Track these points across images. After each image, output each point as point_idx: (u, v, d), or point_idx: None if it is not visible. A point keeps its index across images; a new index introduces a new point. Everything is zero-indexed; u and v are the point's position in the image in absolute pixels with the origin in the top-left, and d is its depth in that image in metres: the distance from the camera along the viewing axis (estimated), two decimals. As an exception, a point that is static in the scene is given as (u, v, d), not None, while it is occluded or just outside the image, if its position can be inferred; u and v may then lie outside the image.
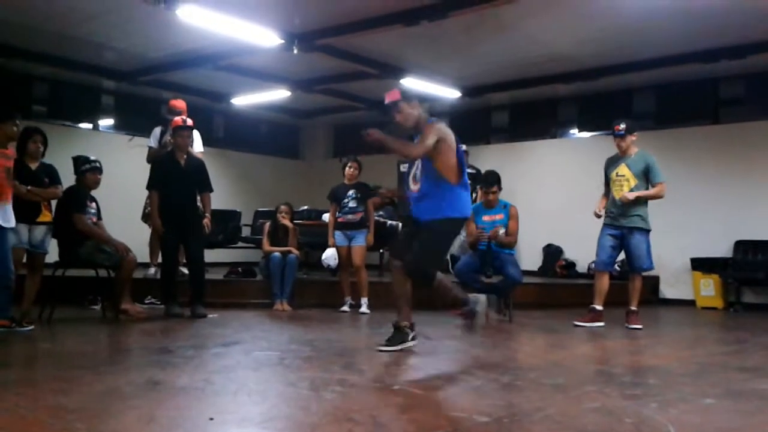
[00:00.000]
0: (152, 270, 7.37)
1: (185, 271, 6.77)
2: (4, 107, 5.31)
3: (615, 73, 9.02)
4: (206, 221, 6.44)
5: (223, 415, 2.74)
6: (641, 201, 6.15)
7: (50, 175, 5.58)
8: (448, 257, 7.64)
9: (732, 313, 8.26)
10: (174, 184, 6.33)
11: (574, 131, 11.07)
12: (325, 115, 12.45)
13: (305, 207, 9.02)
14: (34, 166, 5.53)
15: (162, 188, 6.35)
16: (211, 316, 6.17)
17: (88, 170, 5.99)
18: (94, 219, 6.03)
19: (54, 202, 5.75)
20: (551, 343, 5.44)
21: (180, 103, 7.32)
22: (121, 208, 8.02)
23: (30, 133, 5.55)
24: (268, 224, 7.46)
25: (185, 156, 6.46)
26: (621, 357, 4.96)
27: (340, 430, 2.56)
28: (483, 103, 11.10)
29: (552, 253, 10.35)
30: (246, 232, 9.94)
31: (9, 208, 4.98)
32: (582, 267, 9.73)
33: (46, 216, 5.56)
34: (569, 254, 10.22)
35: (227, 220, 9.44)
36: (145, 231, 7.27)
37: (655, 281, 9.26)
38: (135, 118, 10.74)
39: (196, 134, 7.02)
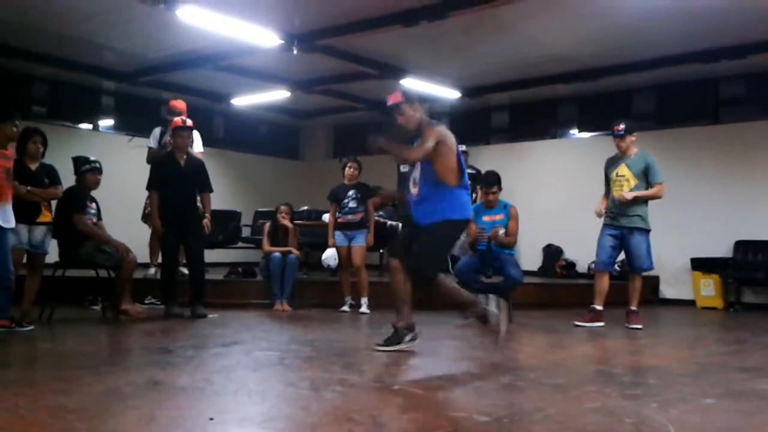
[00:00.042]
0: (152, 270, 7.37)
1: (185, 271, 6.77)
2: (4, 108, 5.31)
3: (615, 74, 9.02)
4: (206, 221, 6.44)
5: (223, 415, 2.74)
6: (641, 201, 6.15)
7: (50, 175, 5.58)
8: (449, 258, 7.64)
9: (732, 313, 8.26)
10: (174, 185, 6.33)
11: (574, 131, 11.07)
12: (325, 116, 12.45)
13: (305, 207, 9.02)
14: (33, 166, 5.53)
15: (162, 189, 6.35)
16: (211, 316, 6.17)
17: (88, 171, 5.99)
18: (94, 219, 6.03)
19: (54, 203, 5.75)
20: (551, 343, 5.44)
21: (180, 104, 7.32)
22: (121, 208, 8.03)
23: (30, 134, 5.55)
24: (268, 224, 7.46)
25: (185, 156, 6.45)
26: (621, 357, 4.96)
27: (340, 430, 2.56)
28: (483, 103, 11.10)
29: (552, 253, 10.35)
30: (246, 232, 9.95)
31: (9, 208, 4.98)
32: (582, 267, 9.73)
33: (46, 216, 5.56)
34: (569, 254, 10.22)
35: (227, 220, 9.44)
36: (145, 231, 7.27)
37: (655, 281, 9.25)
38: (135, 119, 10.74)
39: (196, 135, 7.02)
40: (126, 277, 5.94)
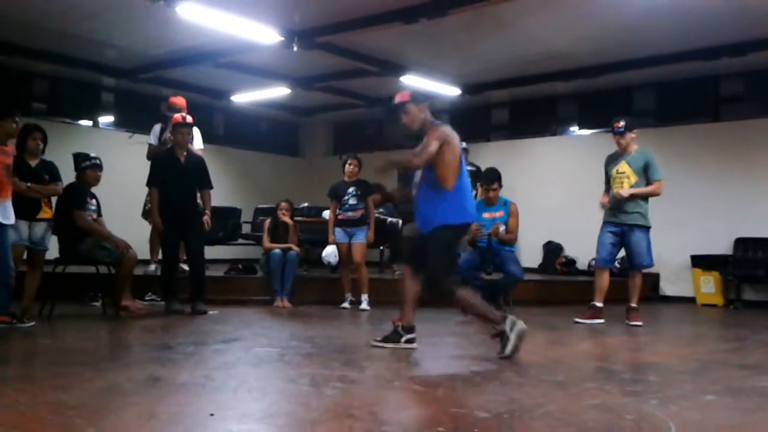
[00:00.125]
0: (152, 267, 7.37)
1: (185, 267, 6.77)
2: (4, 104, 5.33)
3: (615, 71, 9.01)
4: (206, 218, 6.44)
5: (224, 411, 2.75)
6: (641, 198, 6.15)
7: (50, 172, 5.58)
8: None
9: (732, 311, 8.26)
10: (174, 181, 6.34)
11: (574, 129, 11.07)
12: (325, 113, 12.45)
13: (305, 204, 9.03)
14: (33, 163, 5.53)
15: (162, 185, 6.35)
16: (211, 312, 6.17)
17: (88, 167, 5.99)
18: (94, 216, 6.03)
19: (54, 199, 5.75)
20: (551, 340, 5.44)
21: (180, 101, 7.32)
22: (121, 205, 8.03)
23: (30, 130, 5.54)
24: (268, 221, 7.46)
25: (185, 153, 6.45)
26: (621, 354, 4.96)
27: (340, 426, 2.56)
28: (483, 100, 11.09)
29: (552, 250, 10.35)
30: (246, 229, 9.95)
31: (9, 205, 4.98)
32: (582, 264, 9.73)
33: (46, 213, 5.56)
34: (569, 251, 10.22)
35: (227, 217, 9.44)
36: (146, 228, 7.27)
37: (655, 278, 9.25)
38: (135, 116, 10.73)
39: (196, 131, 7.02)
40: (126, 274, 5.95)
